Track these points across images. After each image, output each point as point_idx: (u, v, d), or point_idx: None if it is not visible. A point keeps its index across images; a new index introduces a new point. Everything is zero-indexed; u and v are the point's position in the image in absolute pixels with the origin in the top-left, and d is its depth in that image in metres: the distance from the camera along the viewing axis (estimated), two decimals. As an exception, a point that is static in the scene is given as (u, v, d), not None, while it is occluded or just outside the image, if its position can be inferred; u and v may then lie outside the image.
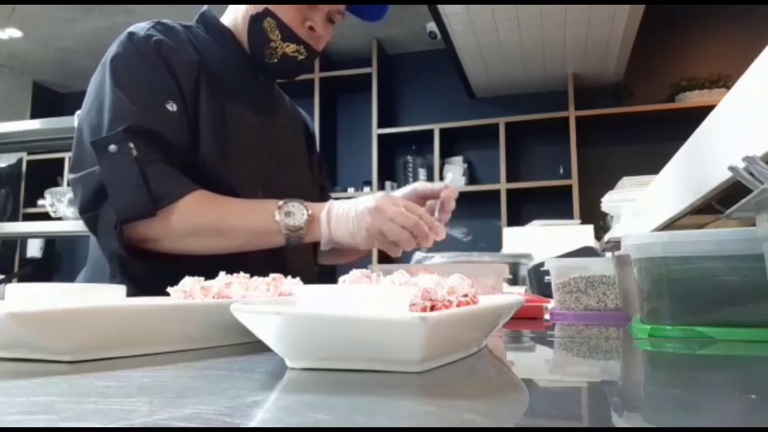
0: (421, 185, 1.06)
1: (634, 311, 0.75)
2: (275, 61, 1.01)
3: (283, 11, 0.98)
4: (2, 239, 3.66)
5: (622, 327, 0.75)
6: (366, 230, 0.86)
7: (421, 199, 1.05)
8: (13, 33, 4.12)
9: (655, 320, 0.62)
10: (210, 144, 0.92)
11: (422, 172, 4.19)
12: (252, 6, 1.00)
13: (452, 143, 4.22)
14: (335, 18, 1.04)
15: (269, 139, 1.05)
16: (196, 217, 0.86)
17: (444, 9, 3.01)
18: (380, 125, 4.20)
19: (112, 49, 0.93)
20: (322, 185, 1.25)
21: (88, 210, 0.86)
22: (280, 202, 0.87)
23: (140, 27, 0.96)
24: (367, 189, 4.18)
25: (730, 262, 0.57)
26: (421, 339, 0.36)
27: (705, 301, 0.59)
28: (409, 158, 4.28)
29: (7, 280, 2.91)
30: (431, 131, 4.07)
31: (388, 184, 4.18)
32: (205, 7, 1.08)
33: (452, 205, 1.02)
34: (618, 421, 0.30)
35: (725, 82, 3.47)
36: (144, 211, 0.83)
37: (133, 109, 0.86)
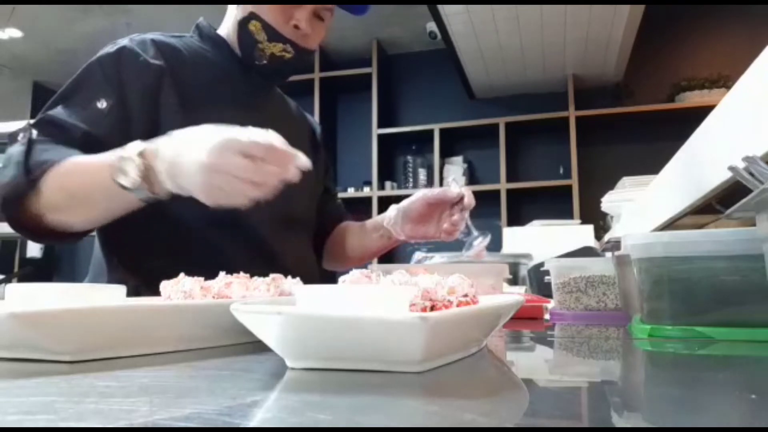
0: (430, 192, 1.08)
1: (634, 311, 0.75)
2: (265, 62, 1.02)
3: (267, 12, 0.99)
4: (2, 239, 3.66)
5: (622, 327, 0.75)
6: (202, 192, 0.71)
7: (431, 206, 1.07)
8: (13, 33, 4.12)
9: (655, 320, 0.62)
10: None
11: (422, 172, 4.19)
12: (238, 10, 1.02)
13: (452, 143, 4.22)
14: (323, 15, 1.04)
15: None
16: (60, 186, 0.81)
17: (444, 9, 3.01)
18: (380, 125, 4.20)
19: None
20: (326, 186, 1.26)
21: None
22: (115, 159, 0.75)
23: (122, 40, 1.00)
24: (367, 189, 4.18)
25: (730, 262, 0.57)
26: (421, 339, 0.36)
27: (705, 301, 0.59)
28: (409, 158, 4.28)
29: (7, 280, 2.91)
30: (431, 131, 4.07)
31: (388, 184, 4.17)
32: (201, 18, 1.11)
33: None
34: (618, 421, 0.30)
35: (725, 82, 3.46)
36: (21, 184, 0.80)
37: (57, 109, 0.90)
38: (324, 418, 0.28)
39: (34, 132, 0.86)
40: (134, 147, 0.75)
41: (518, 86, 4.07)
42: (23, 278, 4.24)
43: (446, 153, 4.15)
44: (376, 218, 1.18)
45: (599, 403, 0.36)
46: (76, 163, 0.82)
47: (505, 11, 3.03)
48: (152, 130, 0.88)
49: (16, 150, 0.84)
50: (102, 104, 0.90)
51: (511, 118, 3.94)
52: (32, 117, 5.18)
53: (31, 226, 0.85)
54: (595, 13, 3.05)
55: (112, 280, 0.94)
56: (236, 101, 1.03)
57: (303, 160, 0.73)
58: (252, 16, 0.99)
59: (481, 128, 4.05)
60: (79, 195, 0.81)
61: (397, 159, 4.42)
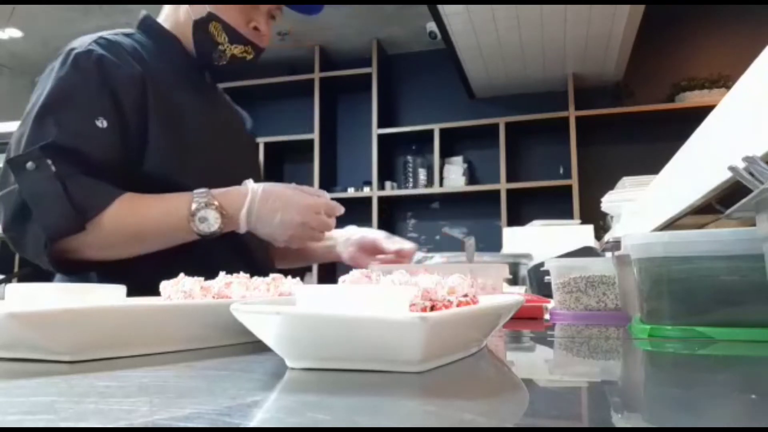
0: (383, 244, 1.15)
1: (634, 311, 0.75)
2: (224, 62, 1.02)
3: (227, 13, 0.99)
4: (2, 239, 3.66)
5: (622, 327, 0.75)
6: (285, 241, 0.93)
7: (376, 251, 1.14)
8: (13, 33, 4.12)
9: (655, 320, 0.62)
10: (165, 152, 0.94)
11: (422, 172, 4.19)
12: (192, 9, 1.00)
13: (452, 143, 4.22)
14: (275, 14, 1.06)
15: (221, 137, 1.07)
16: (119, 227, 0.87)
17: (444, 9, 3.01)
18: (380, 125, 4.20)
19: (54, 66, 0.94)
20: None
21: (12, 229, 0.86)
22: (194, 206, 0.87)
23: (82, 42, 0.95)
24: (367, 189, 4.18)
25: (730, 262, 0.57)
26: (421, 339, 0.36)
27: (705, 301, 0.59)
28: (409, 158, 4.28)
29: (7, 280, 2.91)
30: (431, 131, 4.07)
31: (388, 184, 4.18)
32: (144, 12, 1.08)
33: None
34: (618, 421, 0.30)
35: (725, 82, 3.46)
36: (73, 226, 0.83)
37: (53, 129, 0.85)
38: (324, 418, 0.28)
39: (49, 163, 0.83)
40: (204, 197, 0.87)
41: (518, 86, 4.07)
42: (23, 278, 4.24)
43: (446, 153, 4.15)
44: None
45: (599, 403, 0.36)
46: (140, 205, 0.89)
47: (505, 11, 3.03)
48: (143, 141, 0.92)
49: (51, 189, 0.82)
50: (102, 123, 0.89)
51: (511, 118, 3.94)
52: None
53: (63, 262, 0.88)
54: (595, 13, 3.05)
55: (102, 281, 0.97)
56: (193, 98, 1.03)
57: (342, 210, 0.98)
58: (211, 17, 0.98)
59: (481, 128, 4.05)
60: (145, 236, 0.89)
61: (397, 159, 4.42)
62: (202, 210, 0.87)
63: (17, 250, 0.89)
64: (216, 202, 0.88)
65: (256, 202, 0.90)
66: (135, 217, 0.88)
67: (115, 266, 0.91)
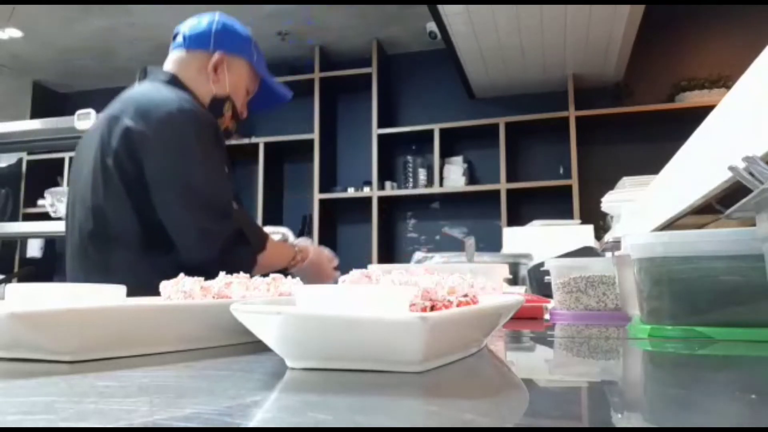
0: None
1: (634, 311, 0.75)
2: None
3: (238, 100, 1.29)
4: (2, 239, 3.66)
5: (622, 327, 0.75)
6: (310, 280, 1.25)
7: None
8: (13, 33, 4.11)
9: (655, 320, 0.62)
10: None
11: (422, 172, 4.19)
12: (216, 86, 1.26)
13: (452, 143, 4.22)
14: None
15: None
16: (266, 258, 1.23)
17: (444, 9, 3.01)
18: (380, 125, 4.20)
19: (189, 123, 1.16)
20: None
21: (228, 248, 1.17)
22: (297, 248, 1.35)
23: (188, 102, 1.18)
24: (367, 189, 4.18)
25: (730, 262, 0.57)
26: (421, 339, 0.36)
27: (705, 301, 0.59)
28: (409, 158, 4.28)
29: (7, 280, 2.91)
30: (431, 131, 4.06)
31: (388, 184, 4.17)
32: (172, 74, 1.29)
33: None
34: (618, 421, 0.30)
35: (725, 82, 3.46)
36: (262, 246, 1.22)
37: (223, 179, 1.19)
38: (324, 418, 0.28)
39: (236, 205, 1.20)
40: (296, 247, 1.36)
41: (518, 86, 4.07)
42: (23, 278, 4.24)
43: (446, 153, 4.15)
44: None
45: (599, 403, 0.36)
46: (274, 247, 1.30)
47: (505, 11, 3.03)
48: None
49: (247, 220, 1.28)
50: (225, 170, 1.19)
51: (511, 118, 3.94)
52: (32, 117, 5.09)
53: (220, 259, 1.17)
54: (595, 13, 3.05)
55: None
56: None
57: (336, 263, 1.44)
58: (228, 99, 1.27)
59: (481, 128, 4.04)
60: (272, 264, 1.25)
61: (397, 159, 4.42)
62: (299, 254, 1.34)
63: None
64: (299, 257, 1.34)
65: (309, 261, 1.35)
66: (272, 252, 1.27)
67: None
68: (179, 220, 1.12)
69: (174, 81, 1.24)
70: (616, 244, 1.03)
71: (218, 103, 1.26)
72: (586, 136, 3.86)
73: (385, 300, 0.39)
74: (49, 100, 5.00)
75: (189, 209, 1.12)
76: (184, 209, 1.11)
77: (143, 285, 0.84)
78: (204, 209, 1.13)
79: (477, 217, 4.11)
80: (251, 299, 0.57)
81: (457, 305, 0.45)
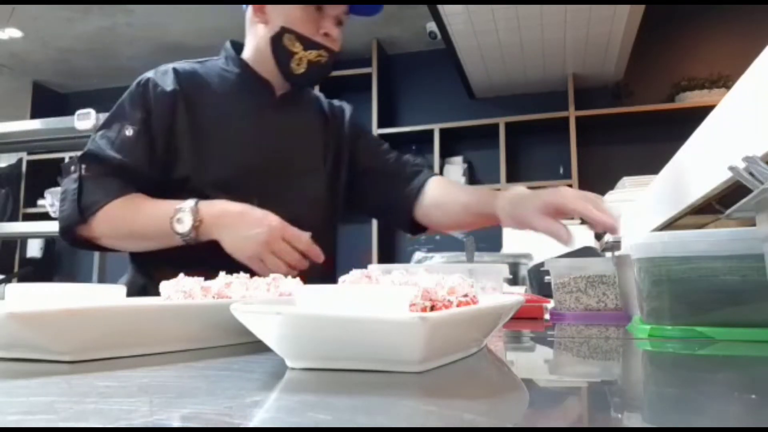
0: (551, 200, 0.92)
1: (634, 311, 0.75)
2: (303, 70, 1.11)
3: (298, 25, 1.09)
4: (2, 239, 3.66)
5: (622, 327, 0.75)
6: (248, 258, 0.94)
7: (546, 212, 0.93)
8: (13, 33, 4.11)
9: (655, 320, 0.62)
10: (187, 159, 1.05)
11: (422, 172, 4.19)
12: (268, 27, 1.11)
13: (452, 143, 4.22)
14: (343, 19, 1.14)
15: (275, 150, 1.14)
16: (114, 224, 1.01)
17: (444, 9, 3.01)
18: (380, 125, 4.20)
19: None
20: (378, 168, 1.24)
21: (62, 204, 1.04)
22: (179, 206, 0.96)
23: (149, 72, 1.10)
24: (367, 189, 4.17)
25: (730, 262, 0.57)
26: (421, 339, 0.36)
27: (705, 301, 0.59)
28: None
29: (7, 280, 2.91)
30: (431, 131, 4.06)
31: (388, 184, 4.17)
32: (227, 42, 1.19)
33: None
34: (618, 421, 0.30)
35: (725, 82, 3.46)
36: (75, 219, 0.99)
37: (96, 140, 1.04)
38: (324, 418, 0.28)
39: (83, 167, 1.01)
40: (190, 204, 0.96)
41: (518, 86, 4.07)
42: (23, 278, 4.24)
43: (446, 153, 4.15)
44: (483, 197, 1.10)
45: (599, 403, 0.36)
46: (134, 207, 1.01)
47: (505, 11, 3.03)
48: (170, 150, 1.05)
49: (71, 187, 1.01)
50: (129, 131, 1.04)
51: (511, 118, 3.94)
52: (32, 117, 5.10)
53: (87, 245, 1.05)
54: (595, 13, 3.04)
55: (129, 278, 1.13)
56: (248, 115, 1.13)
57: (322, 258, 0.98)
58: (284, 30, 1.09)
59: (481, 128, 4.04)
60: (137, 232, 1.01)
61: (397, 159, 4.42)
62: (181, 213, 0.96)
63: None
64: (195, 207, 0.96)
65: (228, 213, 0.97)
66: (127, 216, 1.01)
67: (145, 270, 1.09)
68: None
69: (224, 50, 1.18)
70: (616, 244, 1.03)
71: (277, 43, 1.10)
72: (586, 136, 3.86)
73: (385, 300, 0.39)
74: (49, 100, 5.00)
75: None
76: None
77: None
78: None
79: (477, 217, 4.11)
80: (251, 299, 0.57)
81: (457, 305, 0.45)
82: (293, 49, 1.09)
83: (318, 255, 0.97)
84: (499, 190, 3.93)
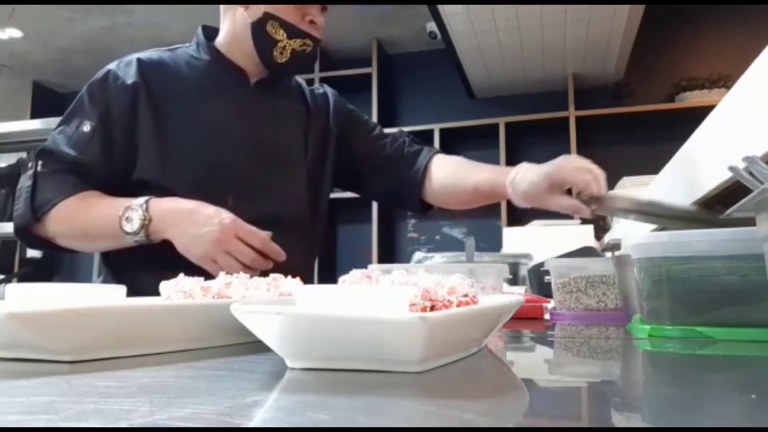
0: (556, 171, 0.97)
1: (634, 311, 0.75)
2: (286, 59, 1.05)
3: (282, 11, 1.02)
4: (2, 239, 3.66)
5: (622, 327, 0.75)
6: (198, 258, 0.89)
7: (553, 185, 0.97)
8: (13, 33, 4.11)
9: (655, 320, 0.62)
10: (151, 157, 0.99)
11: (422, 172, 4.19)
12: (249, 13, 1.03)
13: (452, 143, 4.21)
14: (326, 6, 1.09)
15: (250, 143, 1.06)
16: (66, 222, 0.96)
17: (444, 9, 3.01)
18: (380, 125, 4.20)
19: None
20: (376, 151, 1.23)
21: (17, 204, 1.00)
22: (129, 204, 0.91)
23: (112, 63, 1.06)
24: (367, 189, 4.17)
25: (730, 262, 0.57)
26: (421, 339, 0.36)
27: (705, 301, 0.59)
28: (409, 158, 4.28)
29: (7, 280, 2.91)
30: (431, 131, 4.06)
31: (388, 184, 4.17)
32: (199, 28, 1.13)
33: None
34: (618, 421, 0.30)
35: (725, 82, 3.46)
36: (28, 218, 0.95)
37: (53, 136, 1.00)
38: (324, 418, 0.28)
39: (39, 163, 0.96)
40: (139, 201, 0.91)
41: (518, 86, 4.07)
42: (23, 278, 4.24)
43: (446, 153, 4.14)
44: (494, 178, 1.12)
45: (599, 403, 0.36)
46: (86, 205, 0.96)
47: (505, 11, 3.03)
48: (131, 147, 0.99)
49: (26, 184, 0.96)
50: (86, 127, 0.98)
51: (511, 118, 3.94)
52: (32, 117, 5.09)
53: (43, 245, 1.00)
54: (595, 13, 3.04)
55: (104, 280, 1.08)
56: (219, 109, 1.05)
57: (283, 256, 0.91)
58: (268, 17, 1.02)
59: (481, 128, 4.04)
60: (89, 232, 0.96)
61: (397, 159, 4.42)
62: (129, 211, 0.91)
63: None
64: (145, 205, 0.91)
65: (178, 211, 0.91)
66: (79, 214, 0.95)
67: (119, 275, 1.03)
68: None
69: (196, 37, 1.11)
70: (616, 244, 1.03)
71: (258, 30, 1.03)
72: (586, 136, 3.86)
73: (385, 300, 0.39)
74: (49, 100, 5.00)
75: None
76: None
77: None
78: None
79: (477, 217, 4.11)
80: (251, 299, 0.57)
81: (457, 305, 0.45)
82: (276, 37, 1.03)
83: (277, 253, 0.91)
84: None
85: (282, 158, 1.11)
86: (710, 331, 0.57)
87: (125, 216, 0.90)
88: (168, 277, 0.59)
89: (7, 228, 2.43)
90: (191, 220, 0.89)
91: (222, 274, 0.62)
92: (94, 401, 0.31)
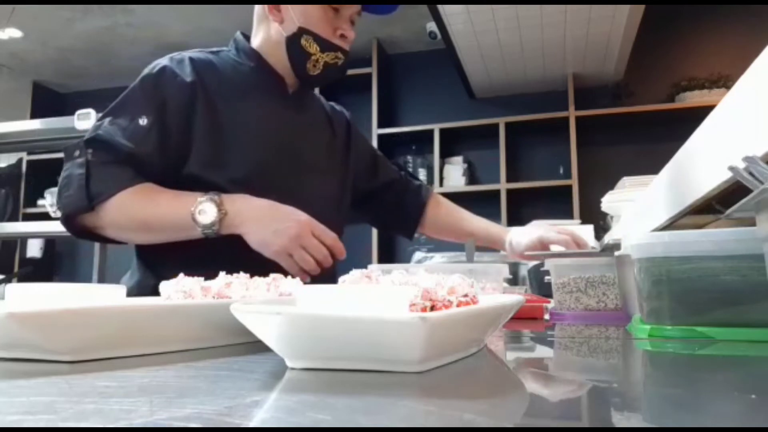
0: (546, 235, 1.18)
1: (634, 311, 0.75)
2: (319, 71, 1.10)
3: (315, 27, 1.08)
4: (2, 239, 3.66)
5: (622, 327, 0.75)
6: (275, 252, 0.92)
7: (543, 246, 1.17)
8: (13, 33, 4.11)
9: (655, 320, 0.62)
10: (205, 155, 1.01)
11: (422, 172, 4.19)
12: (284, 26, 1.09)
13: (452, 143, 4.21)
14: (355, 19, 1.14)
15: (290, 148, 1.12)
16: (126, 213, 0.96)
17: (444, 9, 3.01)
18: (380, 125, 4.19)
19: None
20: (382, 180, 1.35)
21: (56, 203, 1.01)
22: (200, 198, 0.93)
23: (163, 59, 1.08)
24: (367, 189, 4.17)
25: (730, 262, 0.57)
26: (421, 339, 0.36)
27: (705, 301, 0.59)
28: (409, 158, 4.28)
29: (7, 280, 2.91)
30: (431, 131, 4.06)
31: (388, 184, 4.16)
32: (238, 32, 1.17)
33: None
34: (618, 421, 0.30)
35: (725, 82, 3.46)
36: (82, 207, 0.94)
37: (105, 126, 0.99)
38: (323, 418, 0.28)
39: (89, 152, 0.96)
40: (211, 195, 0.93)
41: (518, 86, 4.07)
42: (23, 278, 4.24)
43: (446, 153, 4.15)
44: (492, 235, 1.33)
45: (599, 403, 0.36)
46: (148, 196, 0.97)
47: (505, 11, 3.03)
48: (185, 143, 1.02)
49: (77, 172, 0.96)
50: (143, 121, 0.99)
51: (511, 118, 3.94)
52: (32, 117, 5.09)
53: (87, 234, 1.01)
54: (595, 13, 3.05)
55: (139, 278, 1.09)
56: (262, 109, 1.10)
57: (345, 256, 0.98)
58: (302, 31, 1.07)
59: (481, 128, 4.04)
60: (151, 224, 0.96)
61: (397, 159, 4.41)
62: (204, 203, 0.92)
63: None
64: (218, 199, 0.93)
65: (258, 206, 0.95)
66: (142, 205, 0.96)
67: (153, 268, 1.06)
68: None
69: (234, 41, 1.15)
70: (616, 244, 1.03)
71: (293, 44, 1.07)
72: (586, 136, 3.86)
73: (385, 300, 0.39)
74: (49, 100, 5.00)
75: None
76: None
77: None
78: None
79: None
80: (251, 299, 0.57)
81: (457, 305, 0.45)
82: (310, 51, 1.08)
83: (342, 252, 0.97)
84: (498, 190, 3.94)
85: (315, 164, 1.17)
86: (710, 331, 0.57)
87: (198, 209, 0.92)
88: (202, 274, 0.60)
89: (7, 228, 2.43)
90: (272, 216, 0.93)
91: (222, 274, 0.62)
92: (94, 401, 0.31)
